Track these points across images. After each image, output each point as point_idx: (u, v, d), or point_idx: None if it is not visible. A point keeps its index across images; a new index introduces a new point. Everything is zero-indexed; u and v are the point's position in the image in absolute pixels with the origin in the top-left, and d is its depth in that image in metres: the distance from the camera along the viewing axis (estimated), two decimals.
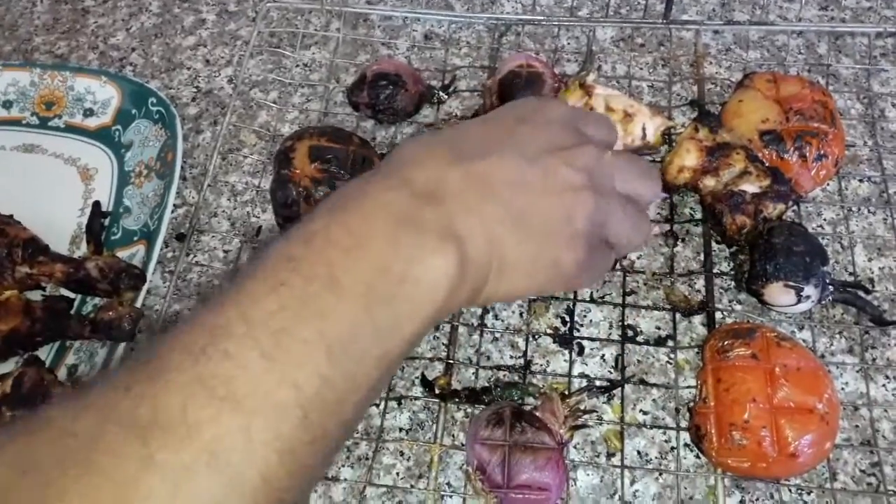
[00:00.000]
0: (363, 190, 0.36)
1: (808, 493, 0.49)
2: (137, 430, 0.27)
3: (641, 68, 0.70)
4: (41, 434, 0.28)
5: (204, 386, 0.28)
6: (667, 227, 0.61)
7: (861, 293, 0.55)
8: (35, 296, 0.58)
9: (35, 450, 0.27)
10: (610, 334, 0.56)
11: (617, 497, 0.50)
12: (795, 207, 0.60)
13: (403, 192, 0.35)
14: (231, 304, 0.30)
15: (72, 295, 0.60)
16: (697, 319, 0.56)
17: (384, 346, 0.33)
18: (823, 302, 0.55)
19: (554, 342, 0.56)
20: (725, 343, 0.51)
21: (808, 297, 0.53)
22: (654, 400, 0.54)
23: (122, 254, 0.61)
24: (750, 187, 0.57)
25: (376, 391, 0.34)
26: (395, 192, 0.35)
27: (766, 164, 0.58)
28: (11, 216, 0.61)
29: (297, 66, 0.74)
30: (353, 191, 0.36)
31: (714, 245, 0.59)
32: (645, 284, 0.58)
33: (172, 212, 0.64)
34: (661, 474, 0.51)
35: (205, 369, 0.28)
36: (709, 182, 0.57)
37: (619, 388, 0.54)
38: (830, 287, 0.54)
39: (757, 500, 0.50)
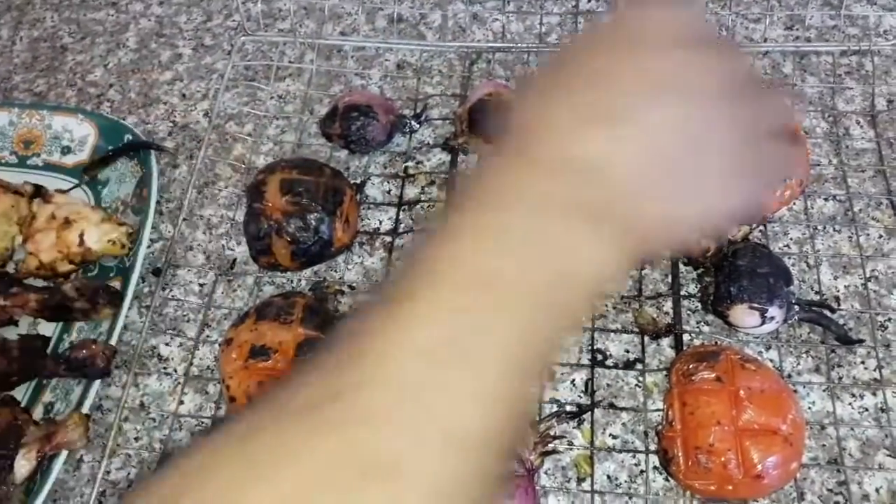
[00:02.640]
0: (517, 179, 0.32)
1: None
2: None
3: None
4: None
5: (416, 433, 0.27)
6: None
7: (826, 312, 0.56)
8: (11, 335, 0.59)
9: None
10: (580, 358, 0.57)
11: None
12: (762, 227, 0.61)
13: (559, 178, 0.32)
14: (398, 329, 0.29)
15: (48, 333, 0.61)
16: (666, 342, 0.57)
17: (552, 349, 0.32)
18: (789, 322, 0.55)
19: None
20: (690, 366, 0.52)
21: (772, 318, 0.54)
22: (623, 424, 0.54)
23: None
24: None
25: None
26: (550, 179, 0.32)
27: None
28: None
29: (272, 98, 0.75)
30: (503, 180, 0.32)
31: (681, 267, 0.60)
32: (614, 308, 0.59)
33: (148, 246, 0.65)
34: (630, 498, 0.51)
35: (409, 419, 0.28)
36: None
37: (589, 413, 0.54)
38: (796, 307, 0.55)
39: None
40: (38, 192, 0.65)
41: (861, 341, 0.55)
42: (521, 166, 0.32)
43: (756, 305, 0.53)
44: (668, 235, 0.35)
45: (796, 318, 0.55)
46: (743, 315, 0.54)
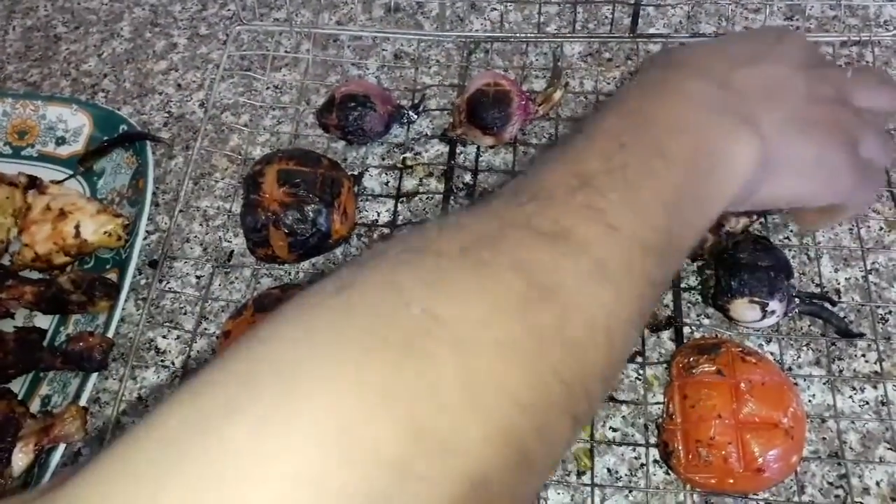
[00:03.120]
0: (665, 79, 0.39)
1: None
2: (542, 235, 0.31)
3: (609, 83, 0.71)
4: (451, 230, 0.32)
5: (588, 212, 0.32)
6: None
7: (827, 305, 0.56)
8: (7, 327, 0.58)
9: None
10: None
11: None
12: (763, 219, 0.60)
13: (705, 81, 0.39)
14: (584, 159, 0.34)
15: (44, 326, 0.60)
16: (666, 335, 0.57)
17: (697, 220, 0.36)
18: (790, 315, 0.55)
19: None
20: (691, 359, 0.51)
21: (772, 311, 0.53)
22: (623, 416, 0.54)
23: None
24: None
25: (671, 273, 0.37)
26: (697, 81, 0.39)
27: None
28: None
29: (268, 88, 0.74)
30: (653, 80, 0.39)
31: None
32: None
33: (145, 238, 0.64)
34: (631, 492, 0.51)
35: (585, 200, 0.32)
36: None
37: None
38: (796, 300, 0.55)
39: None
40: (33, 184, 0.65)
41: (861, 335, 0.55)
42: (694, 75, 0.39)
43: (757, 300, 0.53)
44: (784, 184, 0.41)
45: (797, 310, 0.55)
46: (744, 309, 0.54)
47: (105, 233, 0.62)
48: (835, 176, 0.42)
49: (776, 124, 0.39)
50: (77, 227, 0.61)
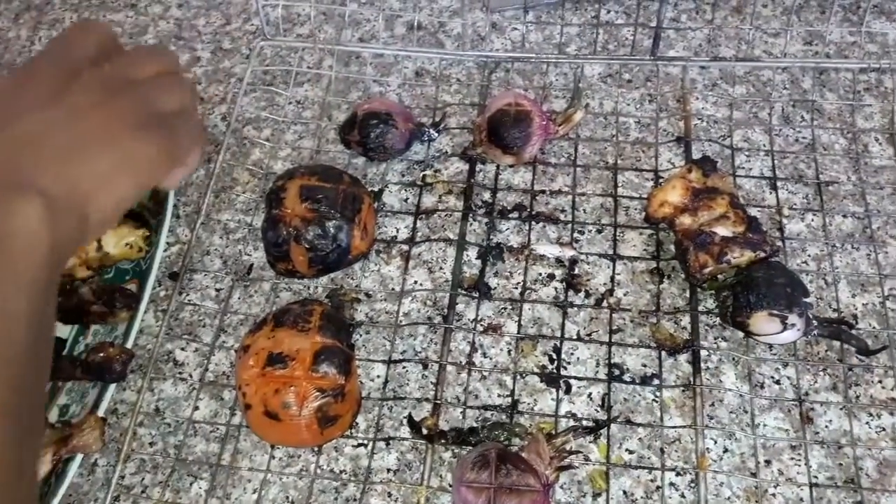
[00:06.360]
0: None
1: None
2: None
3: (628, 104, 0.71)
4: None
5: None
6: (653, 264, 0.62)
7: (845, 328, 0.56)
8: None
9: None
10: (597, 372, 0.57)
11: None
12: (780, 244, 0.61)
13: None
14: None
15: (63, 335, 0.61)
16: (683, 357, 0.57)
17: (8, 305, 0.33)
18: (808, 338, 0.55)
19: (541, 381, 0.57)
20: None
21: (793, 324, 0.53)
22: (640, 439, 0.54)
23: None
24: (723, 231, 0.57)
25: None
26: None
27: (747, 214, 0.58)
28: None
29: (290, 103, 0.75)
30: None
31: None
32: (631, 322, 0.59)
33: (165, 250, 0.65)
34: None
35: None
36: (685, 220, 0.58)
37: (606, 428, 0.54)
38: (814, 322, 0.55)
39: None
40: None
41: (885, 347, 0.55)
42: None
43: (776, 312, 0.53)
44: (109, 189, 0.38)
45: (815, 332, 0.55)
46: (763, 322, 0.54)
47: (126, 244, 0.62)
48: (145, 167, 0.39)
49: (59, 158, 0.36)
50: (99, 241, 0.62)
